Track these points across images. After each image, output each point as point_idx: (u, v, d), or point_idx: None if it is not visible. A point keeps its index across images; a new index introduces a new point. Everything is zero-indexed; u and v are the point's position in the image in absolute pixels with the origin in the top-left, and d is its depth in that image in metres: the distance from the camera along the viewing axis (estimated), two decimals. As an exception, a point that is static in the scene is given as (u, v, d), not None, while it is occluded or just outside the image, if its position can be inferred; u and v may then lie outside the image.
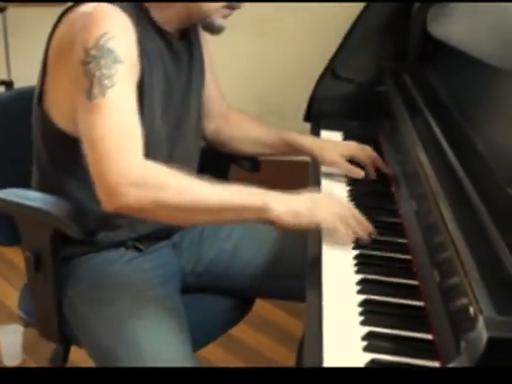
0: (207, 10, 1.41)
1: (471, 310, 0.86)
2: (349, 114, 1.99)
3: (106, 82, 1.26)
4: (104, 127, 1.26)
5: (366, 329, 1.07)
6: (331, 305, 1.14)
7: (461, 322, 0.90)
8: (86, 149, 1.28)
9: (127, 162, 1.25)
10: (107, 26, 1.29)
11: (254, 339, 2.54)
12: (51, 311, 1.51)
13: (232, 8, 1.43)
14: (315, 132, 1.97)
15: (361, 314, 1.11)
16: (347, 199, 1.53)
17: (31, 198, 1.45)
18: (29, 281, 1.53)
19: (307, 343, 1.06)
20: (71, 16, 1.35)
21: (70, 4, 1.35)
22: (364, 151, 1.73)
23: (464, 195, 1.12)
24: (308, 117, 2.03)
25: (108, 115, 1.27)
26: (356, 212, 1.33)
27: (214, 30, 1.47)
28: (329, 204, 1.32)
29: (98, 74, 1.26)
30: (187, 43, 1.53)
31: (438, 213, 1.12)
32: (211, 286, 1.69)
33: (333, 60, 1.95)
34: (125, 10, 1.33)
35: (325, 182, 1.67)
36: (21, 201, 1.45)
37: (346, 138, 1.93)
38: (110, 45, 1.27)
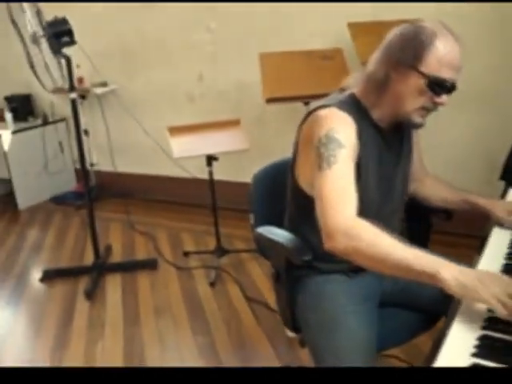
0: (408, 111, 1.52)
1: None
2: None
3: (332, 159, 1.42)
4: (327, 190, 1.41)
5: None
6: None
7: None
8: (316, 203, 1.44)
9: (340, 216, 1.37)
10: (334, 123, 1.49)
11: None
12: (287, 309, 1.73)
13: (428, 110, 1.53)
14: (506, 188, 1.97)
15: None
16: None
17: (275, 233, 1.70)
18: (274, 288, 1.80)
19: None
20: (314, 115, 1.55)
21: (315, 106, 1.57)
22: None
23: None
24: (503, 176, 2.05)
25: (331, 181, 1.42)
26: None
27: (414, 126, 1.57)
28: (492, 283, 1.16)
29: (326, 154, 1.43)
30: (399, 136, 1.69)
31: None
32: (404, 303, 1.76)
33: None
34: (349, 112, 1.53)
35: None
36: (268, 234, 1.70)
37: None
38: (336, 135, 1.45)
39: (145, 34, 4.54)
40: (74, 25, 3.20)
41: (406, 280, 1.41)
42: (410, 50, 1.47)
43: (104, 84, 4.76)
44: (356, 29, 3.08)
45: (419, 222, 1.88)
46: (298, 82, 3.05)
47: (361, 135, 1.53)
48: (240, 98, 4.19)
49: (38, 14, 3.20)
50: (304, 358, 2.40)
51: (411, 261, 1.25)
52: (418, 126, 1.56)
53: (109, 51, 4.71)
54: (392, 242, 1.30)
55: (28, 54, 3.31)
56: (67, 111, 4.73)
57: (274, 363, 2.46)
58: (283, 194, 1.79)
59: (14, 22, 3.25)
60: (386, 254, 1.29)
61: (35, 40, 3.24)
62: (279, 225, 1.76)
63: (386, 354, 2.25)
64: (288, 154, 1.78)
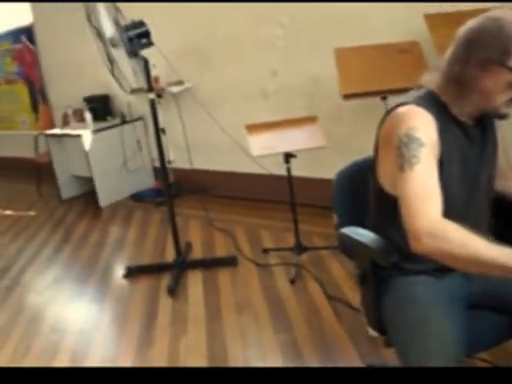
0: (496, 105, 1.50)
1: None
2: None
3: (414, 160, 1.42)
4: (411, 191, 1.41)
5: None
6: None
7: None
8: (400, 205, 1.44)
9: (425, 217, 1.37)
10: (414, 121, 1.48)
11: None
12: (372, 310, 1.72)
13: None
14: None
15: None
16: None
17: (360, 234, 1.67)
18: (360, 289, 1.79)
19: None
20: (393, 114, 1.55)
21: (393, 105, 1.56)
22: None
23: None
24: None
25: (415, 182, 1.42)
26: None
27: (501, 117, 1.55)
28: None
29: (407, 154, 1.43)
30: (481, 129, 1.64)
31: None
32: (494, 304, 1.68)
33: None
34: (427, 108, 1.51)
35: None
36: (353, 235, 1.68)
37: None
38: (416, 134, 1.45)
39: (217, 31, 4.60)
40: (149, 26, 3.29)
41: (497, 279, 1.43)
42: (495, 46, 1.44)
43: (179, 83, 4.85)
44: (433, 20, 2.99)
45: (508, 220, 1.83)
46: (374, 77, 3.01)
47: (441, 131, 1.51)
48: (315, 93, 4.16)
49: (116, 17, 3.31)
50: (387, 358, 2.37)
51: (502, 259, 1.26)
52: (505, 116, 1.53)
53: (182, 50, 4.80)
54: (480, 241, 1.30)
55: (108, 56, 3.43)
56: (144, 110, 4.87)
57: (357, 362, 2.43)
58: (366, 193, 1.78)
59: (91, 25, 3.38)
60: (475, 254, 1.29)
61: (114, 43, 3.35)
62: (362, 224, 1.74)
63: (472, 357, 2.20)
64: (366, 150, 1.77)
